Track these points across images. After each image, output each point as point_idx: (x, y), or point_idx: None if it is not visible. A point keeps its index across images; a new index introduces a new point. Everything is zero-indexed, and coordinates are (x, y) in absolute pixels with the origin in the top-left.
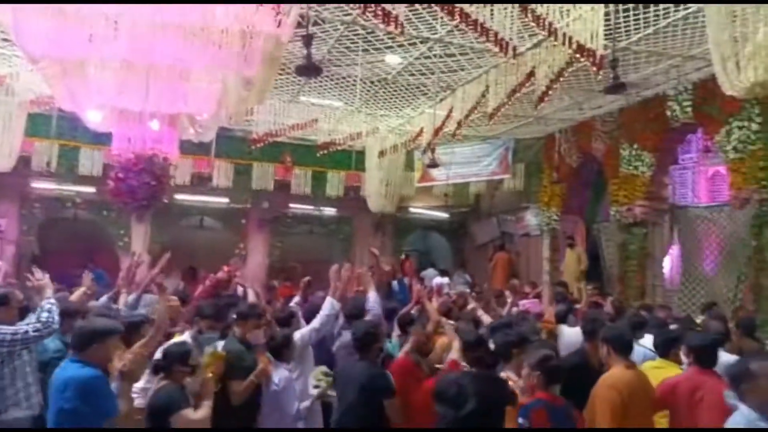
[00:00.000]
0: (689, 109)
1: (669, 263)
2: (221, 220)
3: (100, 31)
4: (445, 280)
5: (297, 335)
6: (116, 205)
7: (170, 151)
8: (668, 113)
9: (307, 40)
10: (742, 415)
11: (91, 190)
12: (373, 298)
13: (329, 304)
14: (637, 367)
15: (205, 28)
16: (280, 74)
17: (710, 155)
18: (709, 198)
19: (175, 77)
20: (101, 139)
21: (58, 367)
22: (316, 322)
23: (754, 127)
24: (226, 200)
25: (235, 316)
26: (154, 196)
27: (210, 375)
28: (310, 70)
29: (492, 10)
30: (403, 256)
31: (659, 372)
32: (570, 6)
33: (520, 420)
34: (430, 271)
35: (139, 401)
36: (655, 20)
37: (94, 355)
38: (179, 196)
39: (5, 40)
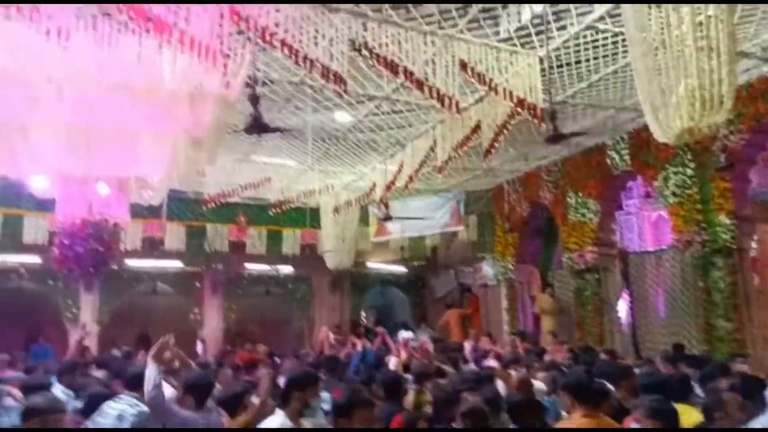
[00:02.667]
0: (627, 158)
1: (624, 308)
2: (175, 285)
3: (44, 94)
4: (410, 334)
5: None
6: (63, 273)
7: (120, 216)
8: (608, 161)
9: (254, 99)
10: None
11: (36, 259)
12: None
13: None
14: (600, 416)
15: (152, 90)
16: (231, 134)
17: (651, 200)
18: (655, 242)
19: (123, 140)
20: (46, 206)
21: None
22: None
23: (689, 171)
24: (179, 264)
25: None
26: (102, 262)
27: None
28: (258, 128)
29: (434, 68)
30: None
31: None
32: (507, 63)
33: None
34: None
35: None
36: (587, 75)
37: None
38: (130, 262)
39: None
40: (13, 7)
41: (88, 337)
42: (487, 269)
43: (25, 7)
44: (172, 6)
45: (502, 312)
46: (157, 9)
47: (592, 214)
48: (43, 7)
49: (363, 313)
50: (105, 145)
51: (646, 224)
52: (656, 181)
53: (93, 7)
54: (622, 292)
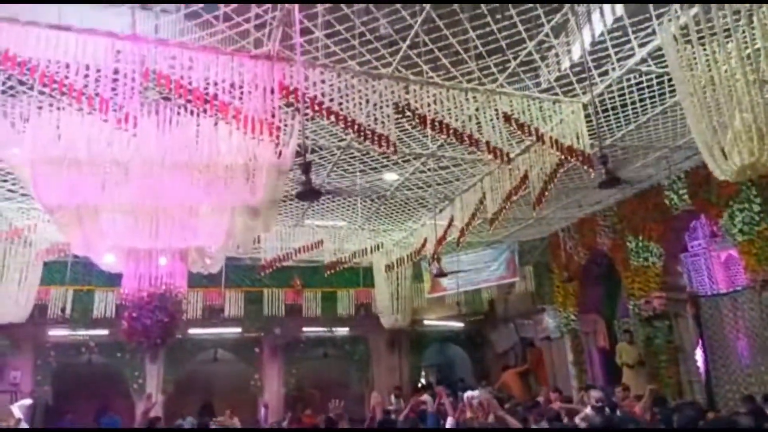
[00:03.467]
0: (686, 197)
1: (701, 356)
2: (235, 351)
3: (111, 177)
4: (476, 393)
5: None
6: (130, 345)
7: (181, 285)
8: (667, 202)
9: (306, 167)
10: None
11: (104, 332)
12: None
13: None
14: None
15: (210, 165)
16: (284, 201)
17: (718, 239)
18: (727, 283)
19: (183, 213)
20: (114, 280)
21: None
22: None
23: (756, 208)
24: (238, 330)
25: None
26: (168, 332)
27: None
28: (310, 194)
29: (478, 123)
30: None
31: None
32: (551, 112)
33: None
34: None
35: None
36: (635, 117)
37: None
38: (192, 330)
39: (24, 194)
40: (85, 102)
41: (154, 408)
42: (549, 321)
43: (96, 101)
44: (226, 85)
45: (568, 365)
46: (212, 89)
47: (655, 257)
48: (110, 98)
49: (423, 372)
50: (167, 219)
51: (716, 265)
52: (721, 219)
53: (155, 93)
54: (697, 340)
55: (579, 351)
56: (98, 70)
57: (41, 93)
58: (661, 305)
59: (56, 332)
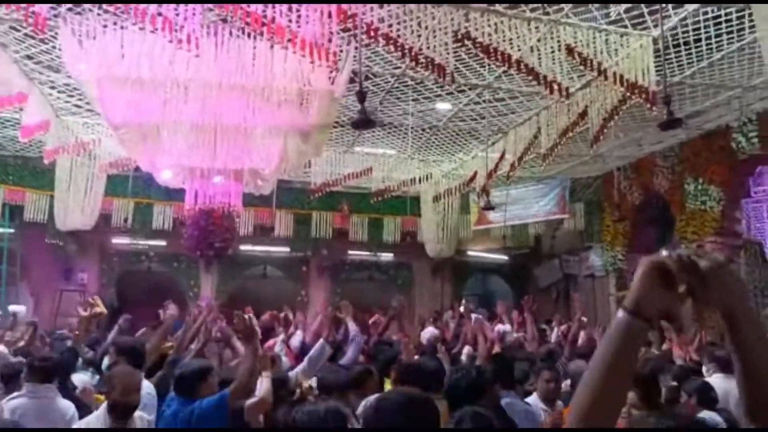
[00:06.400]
0: (756, 140)
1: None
2: (283, 269)
3: (173, 96)
4: (507, 327)
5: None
6: (186, 256)
7: (236, 204)
8: (733, 145)
9: (361, 96)
10: None
11: (162, 243)
12: (353, 327)
13: (320, 348)
14: None
15: (266, 89)
16: (335, 127)
17: None
18: None
19: (239, 136)
20: (171, 195)
21: None
22: (303, 365)
23: None
24: (287, 249)
25: None
26: (225, 246)
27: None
28: (364, 123)
29: (539, 54)
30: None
31: None
32: (617, 46)
33: None
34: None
35: None
36: (708, 53)
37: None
38: (243, 247)
39: (89, 110)
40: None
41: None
42: (595, 258)
43: (159, 20)
44: (284, 8)
45: (610, 303)
46: (270, 12)
47: (713, 201)
48: (172, 17)
49: (463, 301)
50: (224, 140)
51: None
52: None
53: (213, 15)
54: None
55: (622, 289)
56: None
57: (106, 12)
58: (714, 250)
59: (119, 240)
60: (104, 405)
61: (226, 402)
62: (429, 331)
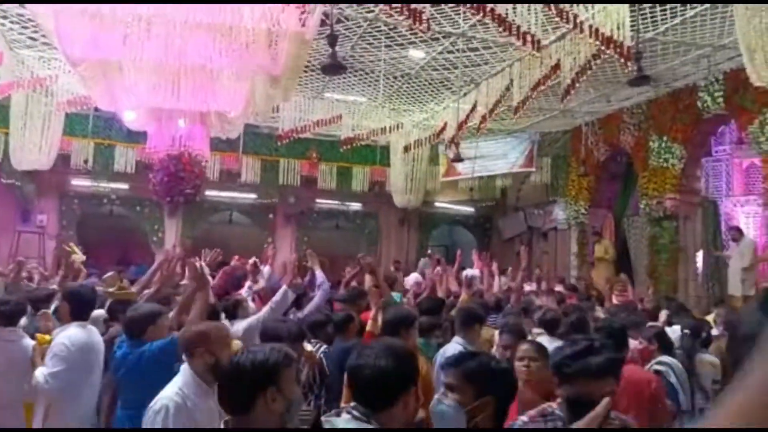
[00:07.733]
0: (721, 100)
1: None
2: (249, 216)
3: (134, 33)
4: (476, 272)
5: (244, 324)
6: (149, 200)
7: (201, 148)
8: (699, 104)
9: (332, 39)
10: None
11: (124, 186)
12: (320, 275)
13: (283, 294)
14: None
15: (233, 28)
16: (305, 72)
17: (744, 147)
18: (744, 191)
19: (205, 77)
20: (134, 137)
21: None
22: (263, 312)
23: None
24: (253, 196)
25: None
26: (194, 192)
27: None
28: (335, 68)
29: (515, 5)
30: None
31: None
32: None
33: None
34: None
35: None
36: (682, 11)
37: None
38: (209, 192)
39: (45, 44)
40: None
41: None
42: (559, 212)
43: None
44: None
45: (570, 256)
46: None
47: (675, 159)
48: None
49: (429, 251)
50: (189, 81)
51: (737, 172)
52: (752, 126)
53: None
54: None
55: (583, 243)
56: None
57: None
58: (673, 206)
59: (79, 182)
60: (184, 368)
61: (175, 345)
62: (413, 277)
